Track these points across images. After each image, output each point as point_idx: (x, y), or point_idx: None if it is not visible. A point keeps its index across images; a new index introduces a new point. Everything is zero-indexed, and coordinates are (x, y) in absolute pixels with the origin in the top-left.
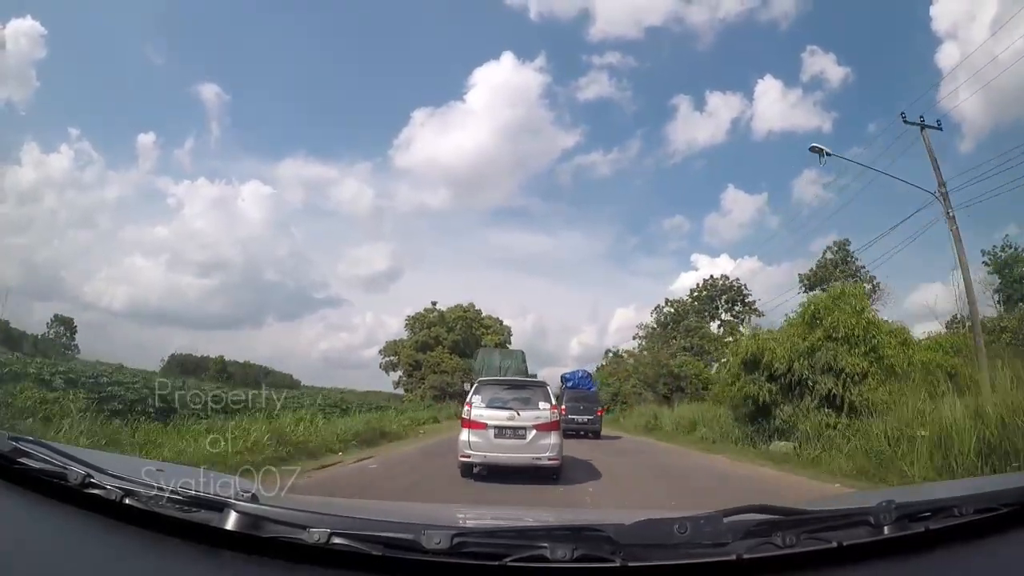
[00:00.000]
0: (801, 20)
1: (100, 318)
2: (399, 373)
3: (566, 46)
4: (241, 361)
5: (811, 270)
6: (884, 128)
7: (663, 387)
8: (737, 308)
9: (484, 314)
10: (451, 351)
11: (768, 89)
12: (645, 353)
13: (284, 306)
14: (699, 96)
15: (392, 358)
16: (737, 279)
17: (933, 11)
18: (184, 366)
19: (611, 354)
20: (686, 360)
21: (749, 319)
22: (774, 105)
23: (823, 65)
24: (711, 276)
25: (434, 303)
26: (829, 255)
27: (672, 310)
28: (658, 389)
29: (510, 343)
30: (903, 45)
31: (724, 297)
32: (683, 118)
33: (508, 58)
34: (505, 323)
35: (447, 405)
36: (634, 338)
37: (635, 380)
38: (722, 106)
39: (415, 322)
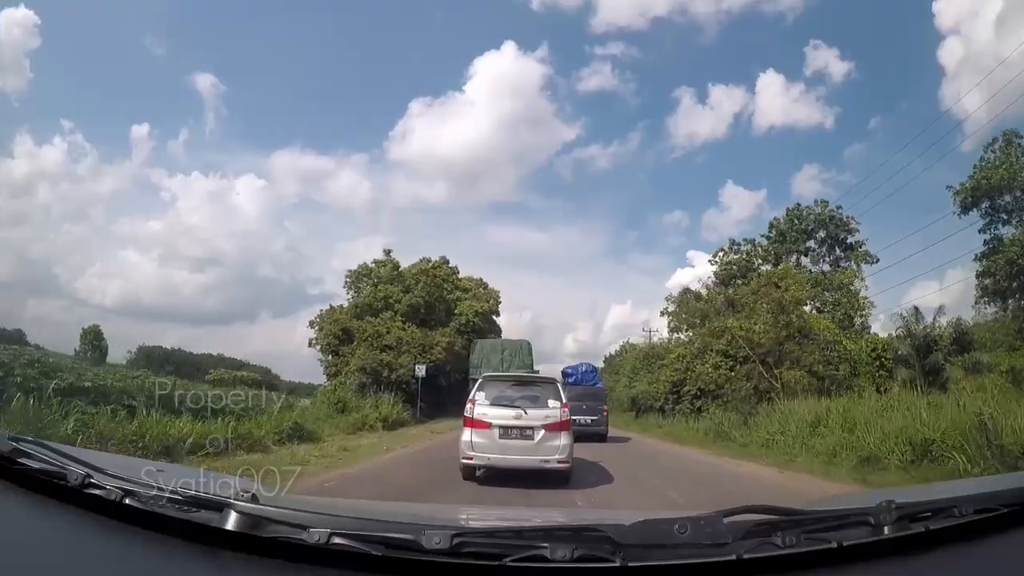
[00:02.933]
0: (805, 14)
1: (92, 314)
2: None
3: (569, 36)
4: (214, 354)
5: (972, 177)
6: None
7: (816, 359)
8: (837, 253)
9: (462, 275)
10: (406, 318)
11: (770, 83)
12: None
13: (278, 301)
14: (701, 89)
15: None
16: (839, 207)
17: (936, 7)
18: (150, 358)
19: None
20: (813, 317)
21: (859, 267)
22: (776, 99)
23: (826, 60)
24: (797, 205)
25: (388, 251)
26: (991, 154)
27: (742, 257)
28: (810, 363)
29: (497, 315)
30: (906, 41)
31: (822, 233)
32: (684, 111)
33: (509, 47)
34: (491, 287)
35: (380, 399)
36: (663, 314)
37: (717, 358)
38: (724, 100)
39: (358, 277)
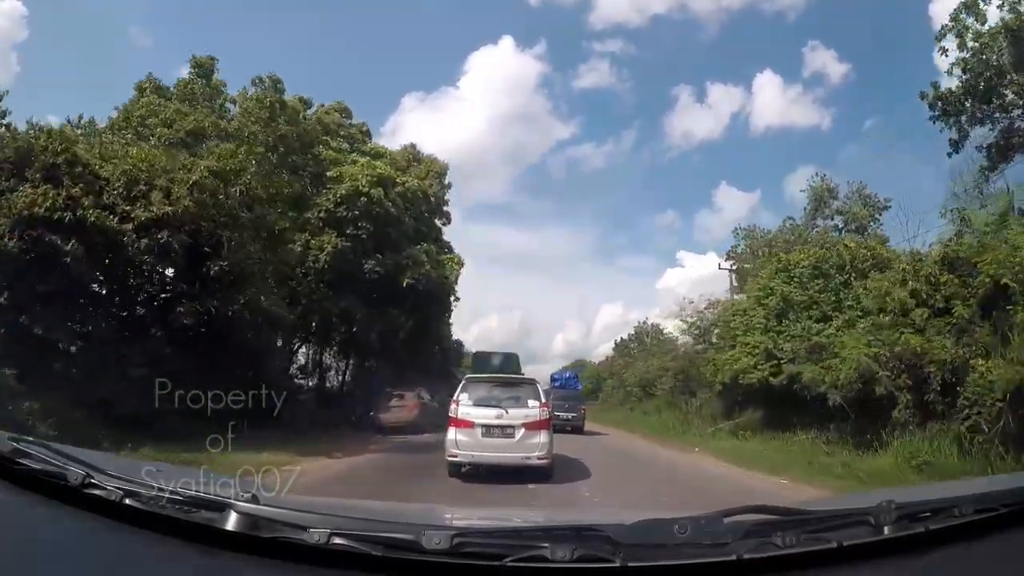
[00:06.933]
0: (804, 13)
1: None
2: None
3: (567, 32)
4: None
5: None
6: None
7: None
8: None
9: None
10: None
11: (767, 83)
12: None
13: None
14: (699, 88)
15: None
16: None
17: (933, 10)
18: None
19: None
20: None
21: None
22: (774, 100)
23: (824, 61)
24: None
25: (210, 59)
26: None
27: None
28: None
29: (445, 203)
30: (903, 44)
31: None
32: (681, 110)
33: (507, 43)
34: (436, 157)
35: None
36: (729, 256)
37: None
38: (721, 99)
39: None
